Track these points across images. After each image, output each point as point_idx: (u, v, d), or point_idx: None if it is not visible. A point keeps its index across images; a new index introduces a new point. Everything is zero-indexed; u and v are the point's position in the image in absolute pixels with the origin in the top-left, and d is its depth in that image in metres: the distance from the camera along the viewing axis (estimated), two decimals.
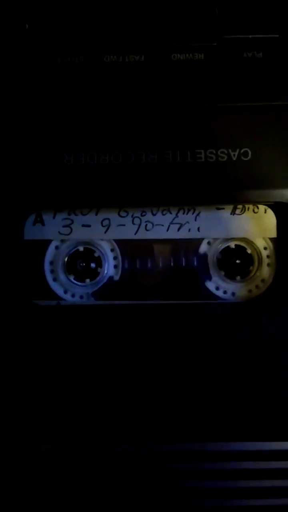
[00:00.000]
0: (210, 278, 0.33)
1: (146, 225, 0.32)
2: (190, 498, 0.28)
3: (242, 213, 0.32)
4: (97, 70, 0.31)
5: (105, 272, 0.33)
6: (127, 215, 0.32)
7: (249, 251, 0.33)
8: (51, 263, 0.33)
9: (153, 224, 0.32)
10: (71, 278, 0.33)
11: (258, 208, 0.32)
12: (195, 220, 0.32)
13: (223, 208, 0.32)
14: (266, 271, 0.32)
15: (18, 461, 0.28)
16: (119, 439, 0.28)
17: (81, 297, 0.33)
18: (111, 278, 0.33)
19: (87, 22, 0.31)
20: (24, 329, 0.29)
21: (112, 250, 0.33)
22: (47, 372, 0.29)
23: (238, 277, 0.32)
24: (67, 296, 0.33)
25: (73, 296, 0.33)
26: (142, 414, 0.28)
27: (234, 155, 0.30)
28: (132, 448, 0.28)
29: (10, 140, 0.30)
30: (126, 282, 0.33)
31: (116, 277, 0.33)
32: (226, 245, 0.33)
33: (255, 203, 0.32)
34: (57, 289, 0.33)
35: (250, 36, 0.31)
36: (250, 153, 0.30)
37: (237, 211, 0.32)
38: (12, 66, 0.31)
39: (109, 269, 0.33)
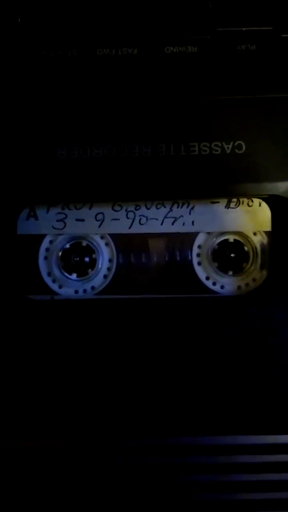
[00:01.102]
0: (205, 273, 0.33)
1: (140, 219, 0.32)
2: (186, 492, 0.28)
3: (237, 207, 0.32)
4: (90, 64, 0.31)
5: (99, 266, 0.33)
6: (121, 209, 0.32)
7: (244, 246, 0.33)
8: (45, 257, 0.33)
9: (147, 218, 0.32)
10: (65, 272, 0.33)
11: (252, 201, 0.32)
12: (190, 213, 0.32)
13: (218, 202, 0.32)
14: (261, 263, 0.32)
15: (15, 455, 0.28)
16: (116, 434, 0.28)
17: (76, 291, 0.33)
18: (105, 272, 0.33)
19: (80, 16, 0.31)
20: (18, 324, 0.29)
21: (106, 244, 0.33)
22: (42, 367, 0.29)
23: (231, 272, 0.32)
24: (61, 291, 0.33)
25: (67, 290, 0.33)
26: (139, 408, 0.28)
27: (228, 148, 0.30)
28: (129, 442, 0.28)
29: (3, 134, 0.30)
30: (120, 276, 0.33)
31: (111, 271, 0.33)
32: (221, 239, 0.33)
33: (250, 196, 0.32)
34: (51, 283, 0.33)
35: (243, 29, 0.31)
36: (244, 146, 0.30)
37: (232, 205, 0.32)
38: (5, 59, 0.30)
39: (103, 263, 0.33)
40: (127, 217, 0.32)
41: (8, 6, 0.31)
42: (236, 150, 0.30)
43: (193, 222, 0.32)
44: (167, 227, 0.32)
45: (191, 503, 0.28)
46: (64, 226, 0.32)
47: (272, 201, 0.32)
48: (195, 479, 0.28)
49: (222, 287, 0.32)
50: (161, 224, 0.32)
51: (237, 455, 0.28)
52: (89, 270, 0.33)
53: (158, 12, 0.31)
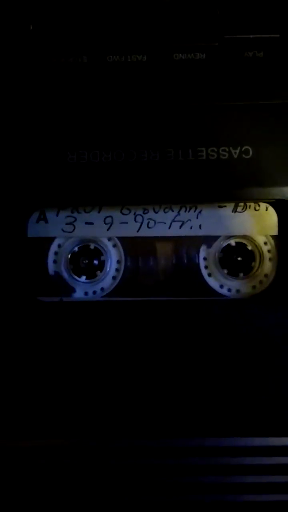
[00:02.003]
0: (212, 275, 0.33)
1: (148, 222, 0.33)
2: (189, 493, 0.28)
3: (244, 211, 0.33)
4: (100, 70, 0.31)
5: (108, 269, 0.33)
6: (129, 212, 0.33)
7: (250, 247, 0.33)
8: (54, 260, 0.33)
9: (155, 222, 0.33)
10: (74, 275, 0.33)
11: (259, 205, 0.33)
12: (197, 217, 0.33)
13: (225, 206, 0.33)
14: (268, 267, 0.33)
15: (17, 455, 0.29)
16: (120, 434, 0.29)
17: (86, 293, 0.33)
18: (114, 274, 0.33)
19: (90, 23, 0.32)
20: (28, 325, 0.30)
21: (114, 246, 0.33)
22: (50, 368, 0.29)
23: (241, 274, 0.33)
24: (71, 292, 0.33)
25: (76, 292, 0.33)
26: (145, 410, 0.29)
27: (235, 153, 0.31)
28: (133, 443, 0.28)
29: (15, 139, 0.31)
30: (128, 278, 0.33)
31: (119, 274, 0.33)
32: (227, 243, 0.33)
33: (256, 200, 0.32)
34: (62, 285, 0.33)
35: (251, 36, 0.31)
36: (251, 151, 0.31)
37: (239, 209, 0.33)
38: (17, 66, 0.31)
39: (112, 266, 0.33)
40: (136, 221, 0.33)
41: (21, 13, 0.32)
42: (243, 155, 0.30)
43: (200, 226, 0.33)
44: (175, 231, 0.33)
45: (195, 504, 0.28)
46: (74, 229, 0.33)
47: (279, 205, 0.32)
48: (199, 480, 0.28)
49: (229, 290, 0.33)
50: (169, 227, 0.33)
51: (242, 456, 0.28)
52: (98, 272, 0.33)
53: (167, 19, 0.32)
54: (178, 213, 0.33)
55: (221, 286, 0.33)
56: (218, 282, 0.33)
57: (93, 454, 0.28)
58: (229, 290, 0.33)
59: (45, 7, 0.32)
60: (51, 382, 0.29)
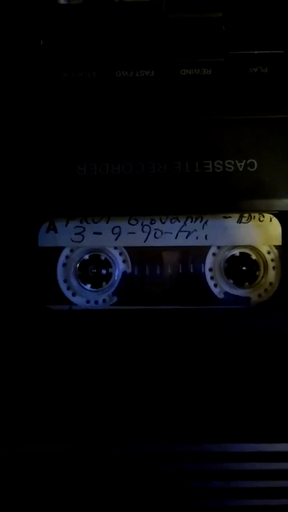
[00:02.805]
0: (217, 285, 0.34)
1: (155, 232, 0.34)
2: (190, 498, 0.29)
3: (248, 222, 0.33)
4: (109, 85, 0.32)
5: (115, 278, 0.34)
6: (137, 223, 0.34)
7: (254, 257, 0.34)
8: (64, 269, 0.34)
9: (162, 232, 0.34)
10: (83, 283, 0.34)
11: (263, 216, 0.33)
12: (203, 228, 0.33)
13: (230, 217, 0.33)
14: (272, 276, 0.33)
15: (17, 461, 0.29)
16: (121, 440, 0.29)
17: (96, 302, 0.34)
18: (121, 283, 0.34)
19: (100, 39, 0.32)
20: (37, 332, 0.30)
21: (121, 254, 0.34)
22: (57, 374, 0.30)
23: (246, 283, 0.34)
24: (79, 301, 0.34)
25: (87, 301, 0.34)
26: (147, 416, 0.29)
27: (240, 165, 0.31)
28: (133, 448, 0.29)
29: (25, 152, 0.31)
30: (136, 287, 0.34)
31: (126, 283, 0.34)
32: (232, 253, 0.34)
33: (261, 212, 0.33)
34: (69, 294, 0.34)
35: (255, 52, 0.32)
36: (256, 164, 0.31)
37: (243, 220, 0.33)
38: (27, 80, 0.32)
39: (119, 275, 0.34)
40: (143, 231, 0.34)
41: (32, 29, 0.33)
42: (248, 168, 0.31)
43: (206, 236, 0.33)
44: (181, 241, 0.33)
45: (196, 509, 0.29)
46: (82, 239, 0.34)
47: (283, 216, 0.33)
48: (200, 485, 0.29)
49: (231, 298, 0.34)
50: (175, 237, 0.34)
51: (242, 462, 0.29)
52: (106, 282, 0.34)
53: (174, 36, 0.32)
54: (185, 223, 0.34)
55: (226, 295, 0.34)
56: (223, 291, 0.34)
57: (90, 459, 0.29)
58: (231, 298, 0.34)
59: (56, 24, 0.33)
60: (58, 388, 0.30)
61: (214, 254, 0.34)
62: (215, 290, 0.34)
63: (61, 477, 0.29)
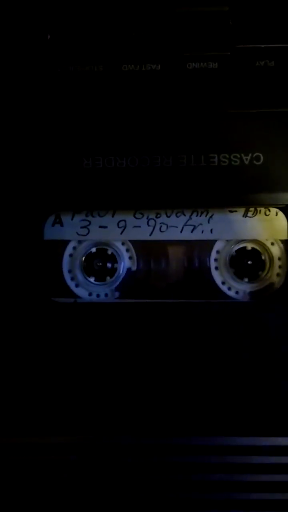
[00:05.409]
0: (222, 279, 0.34)
1: (160, 226, 0.34)
2: (191, 491, 0.29)
3: (254, 216, 0.33)
4: (115, 78, 0.32)
5: (121, 271, 0.34)
6: (142, 216, 0.34)
7: (260, 251, 0.34)
8: (69, 262, 0.34)
9: (167, 226, 0.34)
10: (88, 277, 0.34)
11: (269, 210, 0.33)
12: (208, 222, 0.33)
13: (236, 211, 0.33)
14: (278, 270, 0.33)
15: (17, 453, 0.29)
16: (123, 432, 0.29)
17: (98, 295, 0.34)
18: (126, 277, 0.34)
19: (106, 33, 0.33)
20: (43, 324, 0.31)
21: (127, 250, 0.34)
22: (61, 366, 0.30)
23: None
24: (84, 294, 0.34)
25: (89, 294, 0.34)
26: (151, 408, 0.29)
27: (246, 159, 0.31)
28: (133, 441, 0.29)
29: (32, 146, 0.32)
30: (141, 281, 0.34)
31: (132, 276, 0.34)
32: (238, 247, 0.34)
33: (267, 206, 0.33)
34: (74, 287, 0.34)
35: (262, 46, 0.32)
36: (262, 157, 0.31)
37: (249, 214, 0.33)
38: (34, 74, 0.32)
39: (125, 268, 0.34)
40: (148, 225, 0.34)
41: (39, 23, 0.33)
42: (254, 162, 0.31)
43: (211, 230, 0.33)
44: (186, 235, 0.34)
45: (197, 502, 0.29)
46: (88, 233, 0.34)
47: None
48: (200, 478, 0.29)
49: (237, 292, 0.34)
50: (181, 231, 0.34)
51: (243, 455, 0.29)
52: (111, 275, 0.34)
53: (180, 30, 0.32)
54: (190, 217, 0.34)
55: (231, 289, 0.34)
56: (228, 285, 0.34)
57: (90, 451, 0.29)
58: (236, 293, 0.34)
59: (63, 18, 0.33)
60: (61, 380, 0.30)
61: (218, 250, 0.34)
62: (221, 285, 0.34)
63: (60, 469, 0.29)
